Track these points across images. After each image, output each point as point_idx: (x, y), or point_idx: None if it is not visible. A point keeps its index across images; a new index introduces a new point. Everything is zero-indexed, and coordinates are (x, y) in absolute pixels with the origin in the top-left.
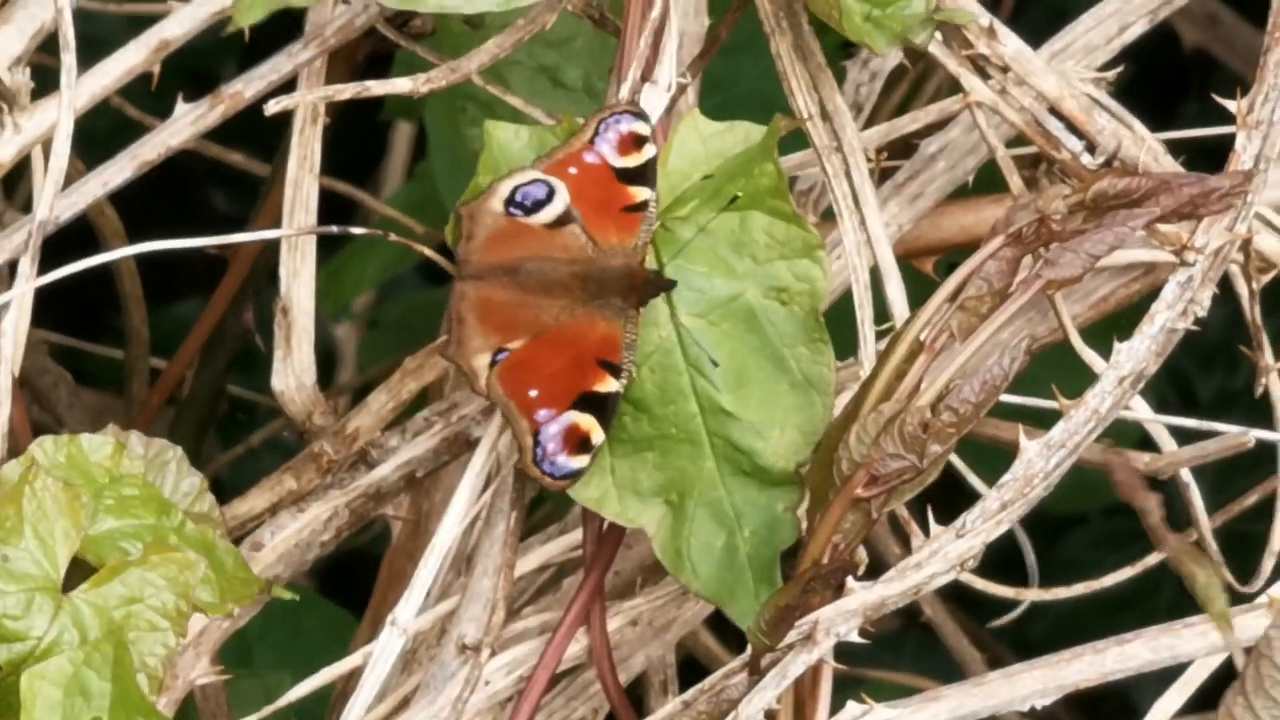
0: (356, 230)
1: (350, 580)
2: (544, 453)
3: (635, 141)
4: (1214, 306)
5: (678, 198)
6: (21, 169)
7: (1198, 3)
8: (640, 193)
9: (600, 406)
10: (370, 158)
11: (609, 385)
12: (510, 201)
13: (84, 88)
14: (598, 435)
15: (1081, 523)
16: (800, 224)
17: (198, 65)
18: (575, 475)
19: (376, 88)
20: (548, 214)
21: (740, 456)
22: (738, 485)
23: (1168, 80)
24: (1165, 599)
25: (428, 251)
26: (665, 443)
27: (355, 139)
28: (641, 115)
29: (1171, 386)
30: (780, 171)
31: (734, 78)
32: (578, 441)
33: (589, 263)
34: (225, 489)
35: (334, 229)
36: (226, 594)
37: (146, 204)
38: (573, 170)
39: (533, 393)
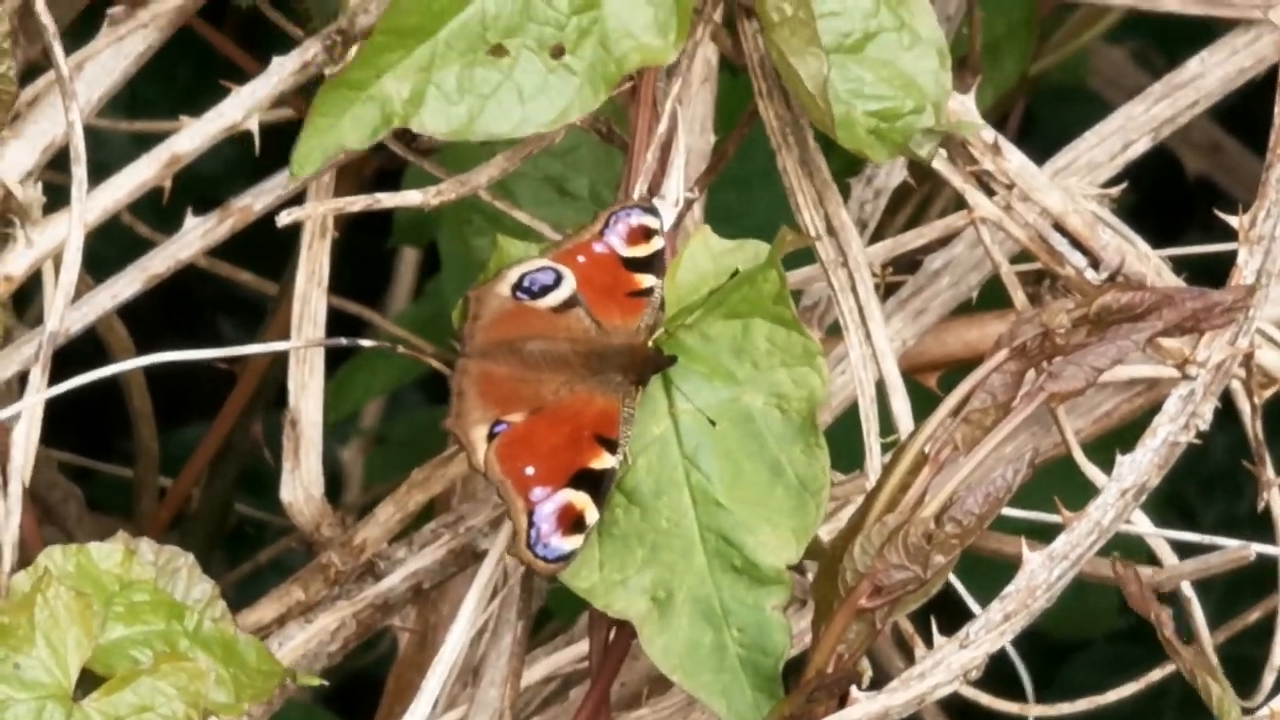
0: (364, 343)
1: (356, 703)
2: (538, 534)
3: (645, 234)
4: (1217, 432)
5: (683, 308)
6: (30, 283)
7: (1201, 131)
8: (646, 279)
9: (595, 484)
10: (377, 282)
11: (605, 462)
12: (518, 286)
13: (95, 202)
14: (592, 514)
15: (1085, 647)
16: (801, 331)
17: (206, 187)
18: (568, 558)
19: (387, 200)
20: (554, 298)
21: (731, 551)
22: (727, 582)
23: (1171, 207)
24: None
25: (434, 362)
26: (656, 536)
27: (363, 262)
28: (652, 210)
29: (1174, 510)
30: (783, 278)
31: (747, 209)
32: (571, 521)
33: (591, 340)
34: (232, 607)
35: (342, 341)
36: (243, 692)
37: (155, 330)
38: (581, 259)
39: (529, 470)
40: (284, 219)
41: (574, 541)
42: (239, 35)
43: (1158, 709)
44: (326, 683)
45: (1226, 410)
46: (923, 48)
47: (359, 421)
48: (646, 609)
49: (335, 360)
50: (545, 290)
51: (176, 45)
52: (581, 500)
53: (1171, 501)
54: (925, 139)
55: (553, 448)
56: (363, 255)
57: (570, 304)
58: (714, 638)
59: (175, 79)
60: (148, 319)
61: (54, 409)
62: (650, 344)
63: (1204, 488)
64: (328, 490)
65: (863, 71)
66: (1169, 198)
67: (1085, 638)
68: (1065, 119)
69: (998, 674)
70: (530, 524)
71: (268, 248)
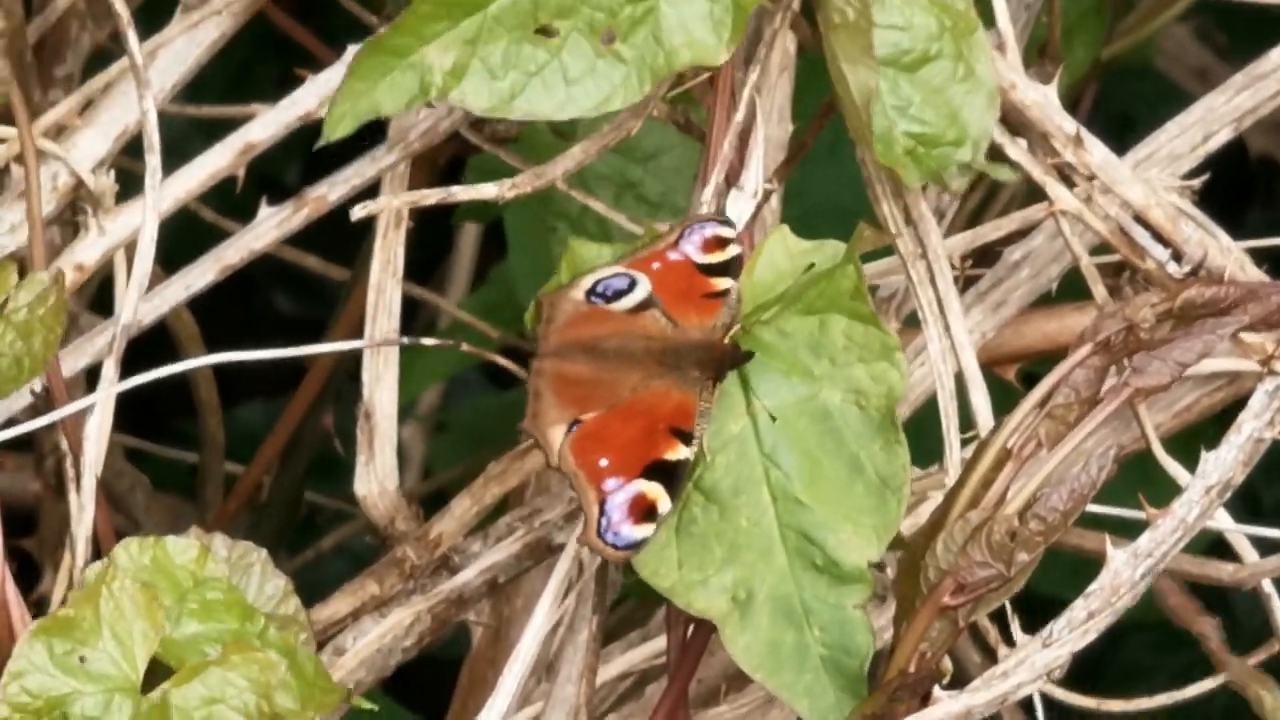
0: (433, 341)
1: (424, 686)
2: (609, 522)
3: (720, 243)
4: None
5: (760, 305)
6: (99, 272)
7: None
8: (722, 282)
9: (670, 475)
10: (436, 257)
11: (679, 453)
12: (592, 291)
13: (168, 191)
14: (664, 503)
15: (1143, 629)
16: (879, 326)
17: (266, 170)
18: (637, 545)
19: (461, 193)
20: (629, 301)
21: (812, 549)
22: (808, 580)
23: (1234, 185)
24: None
25: (497, 358)
26: (736, 535)
27: (421, 237)
28: (728, 223)
29: (1237, 498)
30: (860, 273)
31: (811, 188)
32: (643, 510)
33: (667, 338)
34: (300, 595)
35: (414, 340)
36: (308, 701)
37: (210, 305)
38: (655, 265)
39: (603, 462)
40: (358, 212)
41: (645, 530)
42: (312, 22)
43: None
44: (376, 708)
45: None
46: (975, 84)
47: (417, 405)
48: (727, 608)
49: None
50: (619, 295)
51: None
52: (654, 490)
53: (1242, 497)
54: (960, 172)
55: (627, 440)
56: (421, 231)
57: (645, 305)
58: (796, 637)
59: (231, 62)
60: (205, 295)
61: (122, 397)
62: (727, 339)
63: (1268, 474)
64: None
65: (913, 91)
66: (1231, 176)
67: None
68: (1131, 97)
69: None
70: (601, 512)
71: (333, 230)
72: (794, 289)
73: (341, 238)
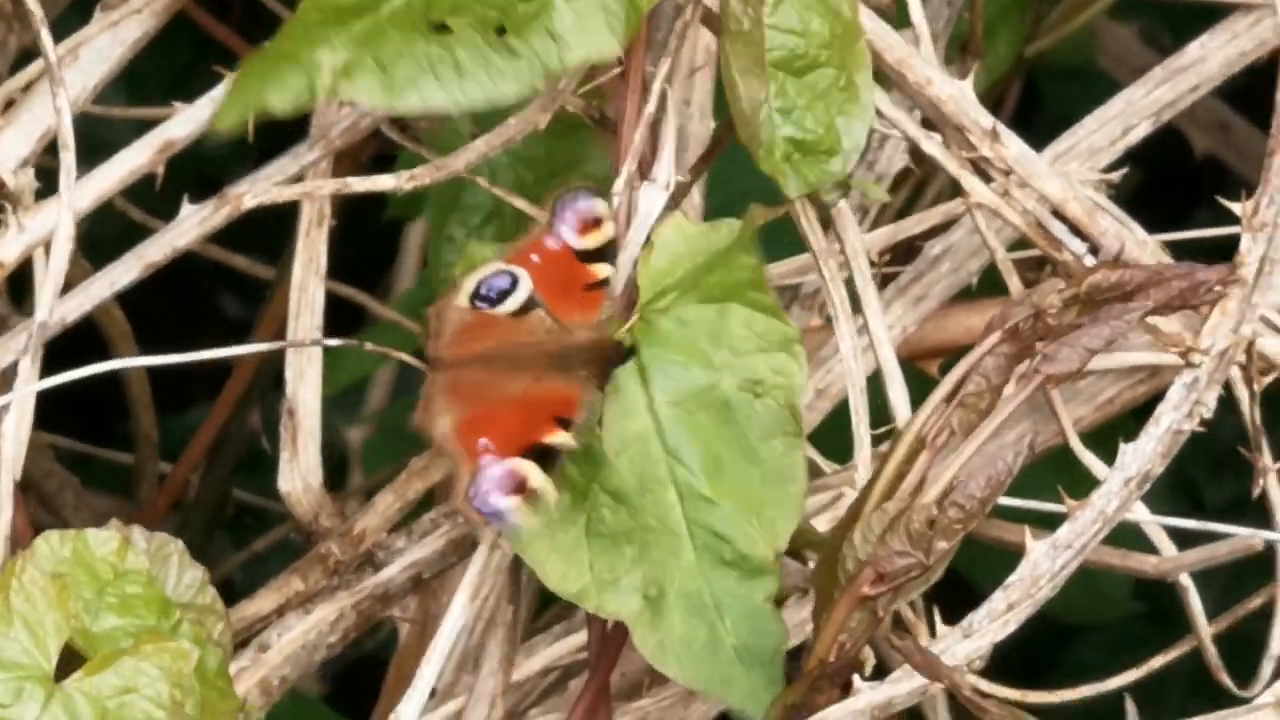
0: (338, 342)
1: (358, 689)
2: (477, 491)
3: (594, 221)
4: (1225, 415)
5: (658, 292)
6: (29, 271)
7: (1208, 110)
8: (601, 269)
9: (548, 459)
10: (384, 258)
11: (558, 437)
12: (475, 295)
13: (87, 188)
14: (537, 479)
15: (1095, 629)
16: (779, 317)
17: (208, 170)
18: (504, 517)
19: (358, 184)
20: (511, 303)
21: (720, 544)
22: (718, 575)
23: (1178, 186)
24: (1174, 702)
25: (405, 357)
26: (644, 534)
27: (368, 240)
28: (597, 193)
29: (1181, 494)
30: (759, 264)
31: (735, 177)
32: (516, 485)
33: (555, 343)
34: (237, 594)
35: (336, 341)
36: (206, 710)
37: (154, 307)
38: (535, 257)
39: (483, 442)
40: (249, 201)
41: (512, 501)
42: (237, 20)
43: (1161, 689)
44: (288, 703)
45: (1234, 394)
46: (853, 94)
47: (366, 405)
48: (639, 608)
49: None
50: (503, 295)
51: (178, 29)
52: (527, 468)
53: (1178, 485)
54: (834, 188)
55: (511, 427)
56: (366, 234)
57: (529, 306)
58: (708, 632)
59: (175, 62)
60: (147, 297)
61: (52, 395)
62: (612, 339)
63: (1211, 471)
64: (333, 475)
65: (797, 96)
66: (1176, 177)
67: (1094, 622)
68: (1073, 98)
69: (999, 656)
70: (472, 482)
71: (269, 229)
72: (690, 273)
73: (284, 239)
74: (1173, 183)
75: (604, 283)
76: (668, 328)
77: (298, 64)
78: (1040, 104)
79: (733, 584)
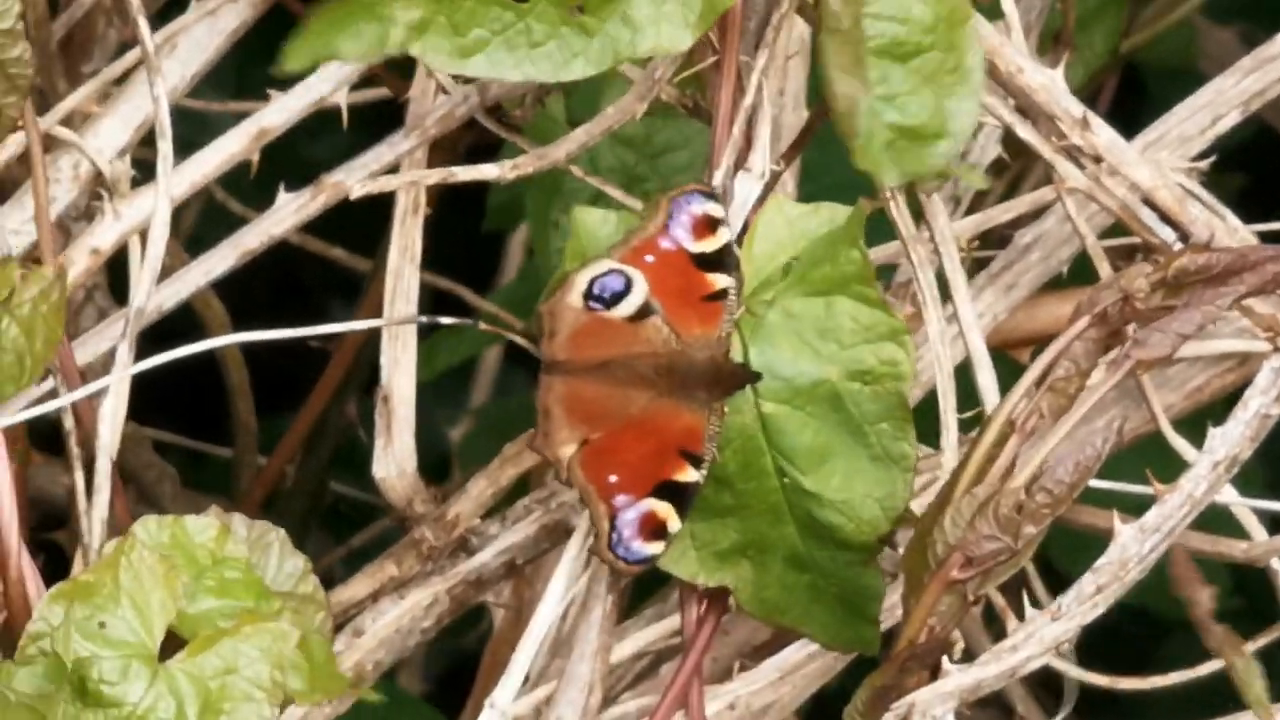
0: (450, 320)
1: (463, 684)
2: (619, 538)
3: (709, 224)
4: None
5: (763, 281)
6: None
7: None
8: (719, 280)
9: (679, 495)
10: (489, 265)
11: (689, 475)
12: (589, 294)
13: (183, 175)
14: (674, 523)
15: (1189, 626)
16: (885, 310)
17: (305, 162)
18: (648, 561)
19: (463, 173)
20: (627, 306)
21: (821, 529)
22: (817, 545)
23: (1274, 180)
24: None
25: (515, 337)
26: (746, 512)
27: (473, 247)
28: (712, 195)
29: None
30: (866, 257)
31: (828, 166)
32: (653, 528)
33: (673, 356)
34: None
35: (429, 318)
36: (316, 685)
37: (265, 315)
38: (649, 258)
39: (612, 478)
40: (358, 190)
41: (655, 547)
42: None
43: None
44: (385, 699)
45: None
46: (962, 76)
47: (467, 404)
48: (740, 568)
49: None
50: (617, 297)
51: (277, 20)
52: (664, 509)
53: (1275, 484)
54: (935, 176)
55: (637, 459)
56: (473, 239)
57: (645, 312)
58: (808, 579)
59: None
60: (257, 304)
61: (162, 391)
62: (735, 362)
63: None
64: (435, 473)
65: (902, 82)
66: (1277, 180)
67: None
68: (1176, 97)
69: (1094, 649)
70: (612, 528)
71: (371, 229)
72: (799, 266)
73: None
74: (1276, 184)
75: (723, 293)
76: (775, 321)
77: (372, 14)
78: (1149, 106)
79: (832, 552)
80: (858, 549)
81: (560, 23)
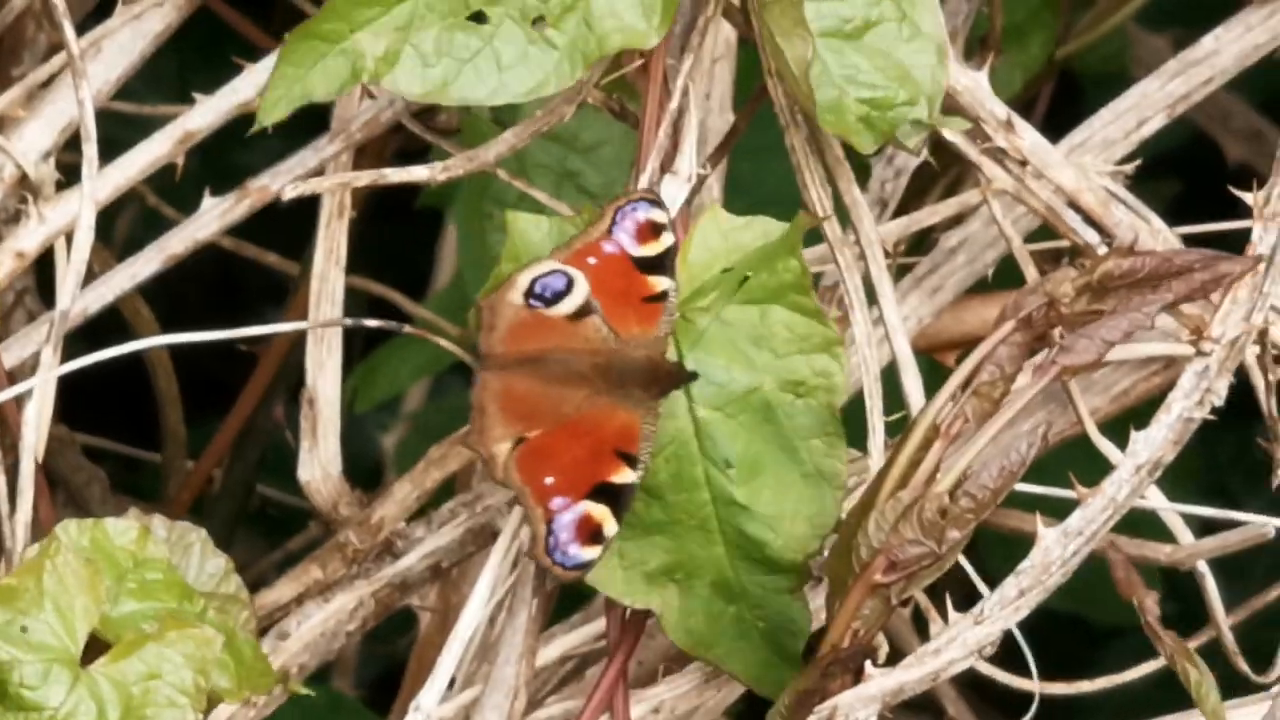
0: (370, 322)
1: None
2: (556, 542)
3: (653, 230)
4: (1260, 422)
5: (697, 289)
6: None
7: (1241, 118)
8: (660, 282)
9: (615, 497)
10: (423, 272)
11: (625, 476)
12: (530, 293)
13: (108, 179)
14: (610, 526)
15: (1124, 634)
16: (821, 320)
17: (237, 165)
18: (585, 566)
19: (393, 175)
20: (568, 305)
21: (750, 546)
22: (745, 569)
23: (1214, 195)
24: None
25: (455, 349)
26: (675, 528)
27: (406, 252)
28: (658, 203)
29: (1217, 500)
30: (804, 267)
31: (762, 179)
32: (590, 532)
33: (611, 354)
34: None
35: (355, 321)
36: (244, 682)
37: (199, 322)
38: (591, 260)
39: (549, 480)
40: (290, 192)
41: (592, 552)
42: (253, 12)
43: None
44: (312, 693)
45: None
46: (922, 41)
47: (402, 409)
48: (667, 592)
49: (370, 347)
50: (558, 296)
51: (192, 21)
52: (600, 512)
53: (1213, 490)
54: (914, 130)
55: (573, 460)
56: (404, 245)
57: (585, 311)
58: (734, 611)
59: (194, 55)
60: (191, 311)
61: (98, 397)
62: (671, 361)
63: (1247, 477)
64: (368, 479)
65: (859, 59)
66: (1212, 186)
67: (1126, 624)
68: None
69: (1020, 655)
70: (549, 531)
71: (305, 235)
72: (734, 273)
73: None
74: (1208, 192)
75: (663, 295)
76: (710, 328)
77: (341, 49)
78: (1083, 110)
79: (760, 577)
80: (786, 570)
81: (526, 42)
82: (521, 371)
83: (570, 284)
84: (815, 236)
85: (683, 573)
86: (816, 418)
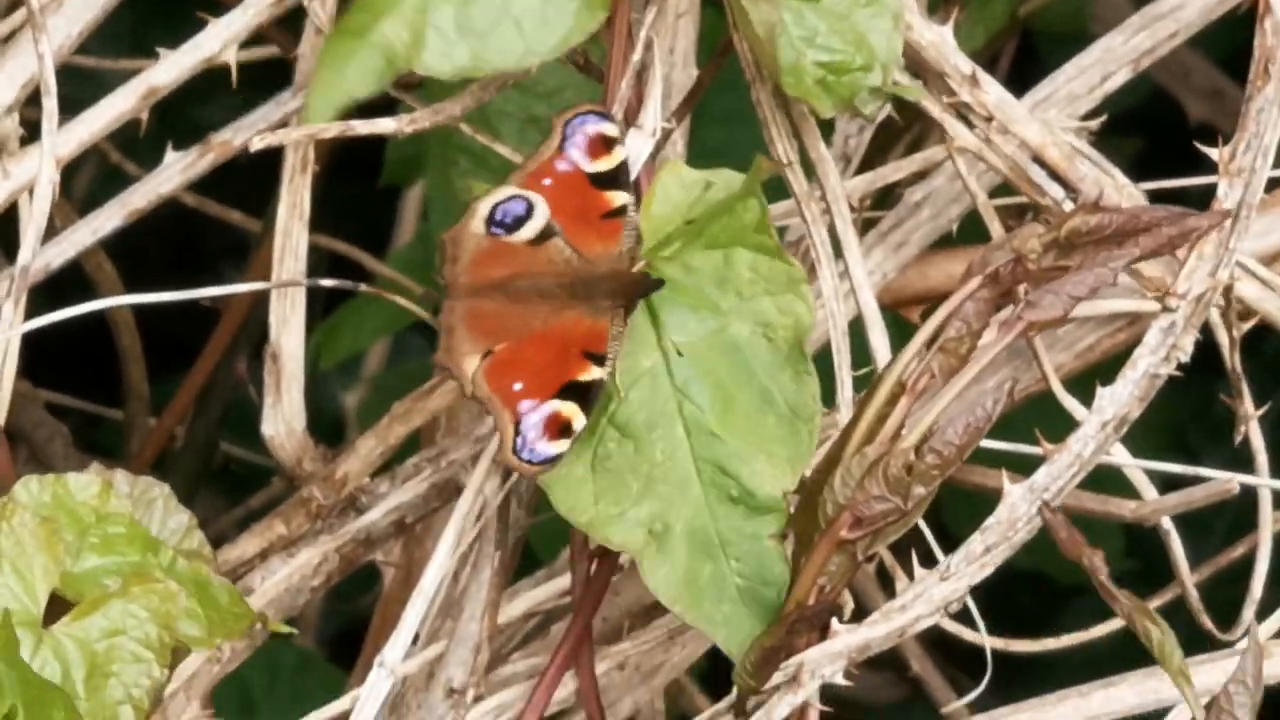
0: (331, 282)
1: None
2: (524, 441)
3: (605, 143)
4: (1221, 379)
5: (661, 240)
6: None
7: (1203, 76)
8: (617, 197)
9: (583, 395)
10: (383, 229)
11: (592, 373)
12: (491, 221)
13: (72, 134)
14: (579, 421)
15: (1086, 592)
16: (784, 259)
17: (199, 121)
18: (552, 461)
19: (361, 127)
20: (529, 230)
21: (727, 481)
22: (723, 512)
23: (1176, 153)
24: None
25: (415, 308)
26: (651, 468)
27: (366, 209)
28: (606, 115)
29: (1179, 456)
30: (764, 207)
31: (732, 146)
32: (559, 427)
33: (575, 270)
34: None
35: (320, 281)
36: (215, 629)
37: (161, 281)
38: (548, 181)
39: (517, 386)
40: (256, 144)
41: (560, 445)
42: None
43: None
44: (297, 631)
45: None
46: (879, 7)
47: (362, 370)
48: (644, 541)
49: (333, 304)
50: (519, 222)
51: None
52: (569, 409)
53: (1176, 446)
54: (871, 97)
55: (541, 365)
56: (366, 202)
57: (547, 235)
58: (713, 568)
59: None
60: (154, 269)
61: (61, 354)
62: (636, 270)
63: (1209, 434)
64: (329, 438)
65: (818, 21)
66: (1173, 144)
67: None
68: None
69: (994, 614)
70: (517, 432)
71: (269, 192)
72: (697, 222)
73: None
74: (1170, 149)
75: (622, 210)
76: (674, 275)
77: (370, 42)
78: (1040, 70)
79: (739, 521)
80: (764, 509)
81: (541, 1)
82: (487, 295)
83: (530, 208)
84: (782, 192)
85: (660, 522)
86: (785, 356)
